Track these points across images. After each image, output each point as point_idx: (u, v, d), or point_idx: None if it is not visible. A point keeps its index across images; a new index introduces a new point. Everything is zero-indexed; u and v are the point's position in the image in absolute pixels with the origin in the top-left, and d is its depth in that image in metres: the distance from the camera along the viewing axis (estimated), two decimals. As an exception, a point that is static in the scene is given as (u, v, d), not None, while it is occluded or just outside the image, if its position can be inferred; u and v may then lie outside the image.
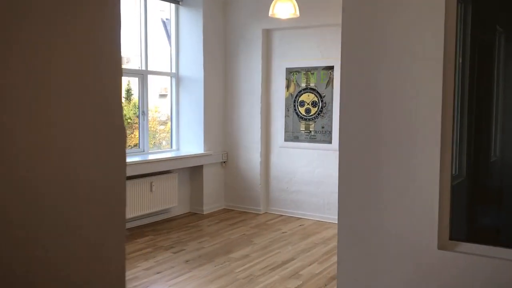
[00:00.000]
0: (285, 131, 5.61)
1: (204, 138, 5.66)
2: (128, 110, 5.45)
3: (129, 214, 4.83)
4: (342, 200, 1.95)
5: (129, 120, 5.41)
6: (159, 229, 5.03)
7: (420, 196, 1.77)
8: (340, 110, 1.95)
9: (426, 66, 1.75)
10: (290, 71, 5.53)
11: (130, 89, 5.44)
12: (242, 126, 5.82)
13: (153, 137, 5.76)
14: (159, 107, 5.91)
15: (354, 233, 1.94)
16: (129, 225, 4.85)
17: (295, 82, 5.51)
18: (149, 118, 5.44)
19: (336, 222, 2.06)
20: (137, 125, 5.50)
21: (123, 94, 5.49)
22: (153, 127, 5.75)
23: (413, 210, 1.79)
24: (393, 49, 1.80)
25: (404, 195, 1.80)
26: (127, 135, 5.44)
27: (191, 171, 5.74)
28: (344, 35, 1.88)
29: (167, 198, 5.29)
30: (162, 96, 5.95)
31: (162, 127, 5.95)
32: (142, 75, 5.33)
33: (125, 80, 5.58)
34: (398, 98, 1.80)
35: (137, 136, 5.38)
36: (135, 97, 5.48)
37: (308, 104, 5.45)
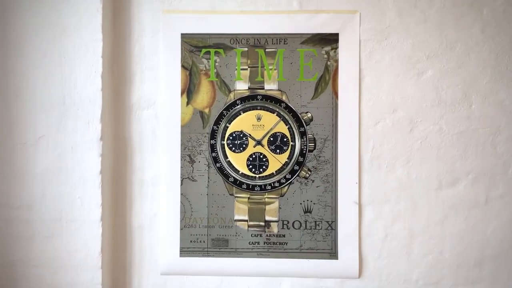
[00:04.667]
0: (185, 225, 1.86)
1: None
2: None
3: None
4: None
5: None
6: None
7: None
8: None
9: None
10: (196, 46, 1.85)
11: None
12: (34, 216, 1.77)
13: None
14: None
15: None
16: None
17: (215, 77, 1.86)
18: None
19: None
20: None
21: None
22: None
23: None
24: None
25: None
26: None
27: None
28: None
29: None
30: None
31: None
32: None
33: None
34: None
35: None
36: None
37: (258, 143, 1.87)
